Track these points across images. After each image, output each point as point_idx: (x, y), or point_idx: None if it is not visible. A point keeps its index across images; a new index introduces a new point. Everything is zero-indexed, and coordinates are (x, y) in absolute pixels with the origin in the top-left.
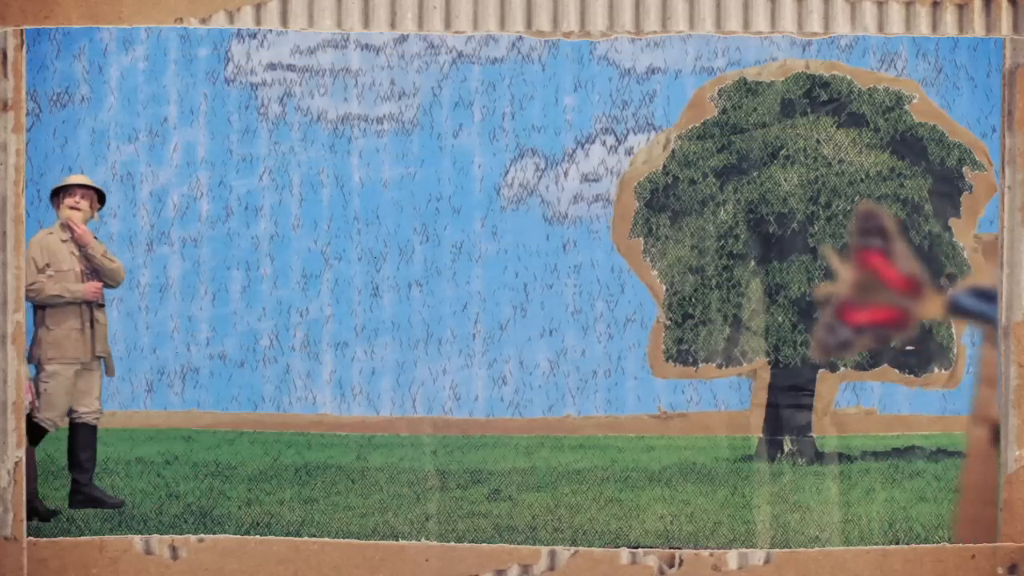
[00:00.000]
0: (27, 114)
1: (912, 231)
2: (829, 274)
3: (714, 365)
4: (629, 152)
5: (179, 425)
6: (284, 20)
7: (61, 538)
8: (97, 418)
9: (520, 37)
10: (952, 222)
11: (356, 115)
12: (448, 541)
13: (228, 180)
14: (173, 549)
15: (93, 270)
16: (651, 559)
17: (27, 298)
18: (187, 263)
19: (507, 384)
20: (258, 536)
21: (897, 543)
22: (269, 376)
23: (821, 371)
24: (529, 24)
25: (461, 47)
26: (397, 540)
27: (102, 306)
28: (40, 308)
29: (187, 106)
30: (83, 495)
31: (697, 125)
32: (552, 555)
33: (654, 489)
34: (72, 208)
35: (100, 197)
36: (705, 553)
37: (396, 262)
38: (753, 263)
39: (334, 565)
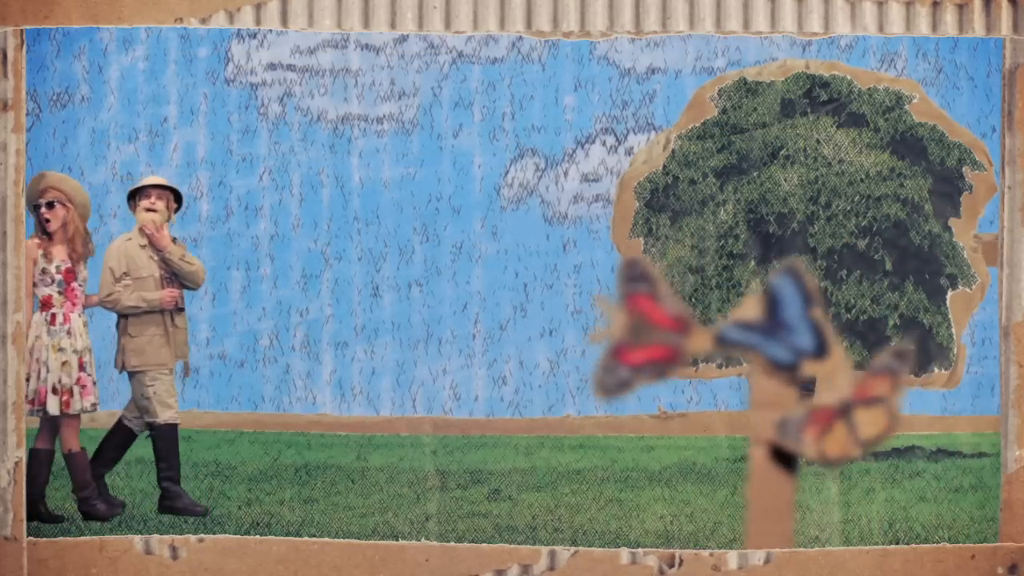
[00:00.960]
0: (27, 114)
1: (912, 231)
2: (830, 274)
3: (714, 365)
4: (629, 152)
5: (179, 425)
6: (284, 20)
7: (61, 538)
8: (177, 419)
9: (520, 37)
10: (952, 222)
11: (356, 115)
12: (448, 541)
13: (228, 180)
14: (173, 549)
15: (172, 274)
16: (651, 559)
17: (104, 308)
18: None
19: (507, 384)
20: (258, 536)
21: (897, 543)
22: (269, 376)
23: None
24: (529, 24)
25: (461, 47)
26: (397, 540)
27: (182, 310)
28: (122, 316)
29: (187, 106)
30: (171, 496)
31: (697, 125)
32: (552, 555)
33: (654, 489)
34: (148, 210)
35: (177, 197)
36: (705, 553)
37: (396, 262)
38: (753, 263)
39: (334, 565)
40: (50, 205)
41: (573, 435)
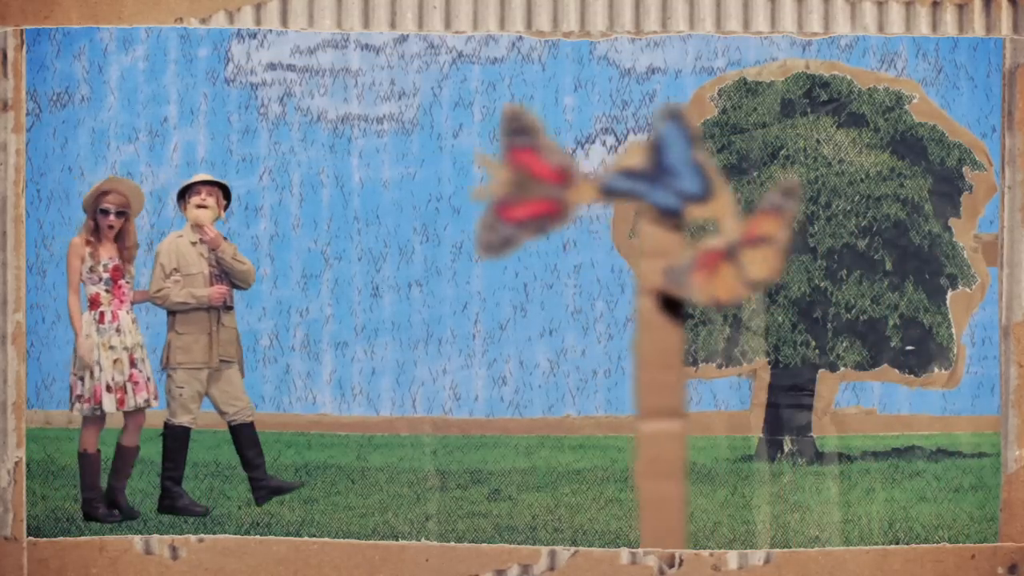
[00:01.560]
0: (27, 114)
1: (912, 231)
2: (830, 274)
3: (714, 365)
4: None
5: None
6: (284, 20)
7: (61, 538)
8: (250, 415)
9: (520, 37)
10: (952, 222)
11: (356, 115)
12: (448, 541)
13: (228, 180)
14: (173, 549)
15: (223, 272)
16: (651, 559)
17: (154, 304)
18: None
19: (507, 384)
20: (258, 536)
21: (897, 543)
22: (269, 376)
23: (821, 371)
24: (529, 24)
25: (461, 47)
26: (397, 540)
27: (230, 308)
28: (170, 313)
29: (187, 106)
30: (264, 489)
31: (697, 125)
32: (552, 555)
33: None
34: (199, 207)
35: (226, 194)
36: (705, 553)
37: (396, 262)
38: None
39: (334, 565)
40: (120, 214)
41: (573, 435)
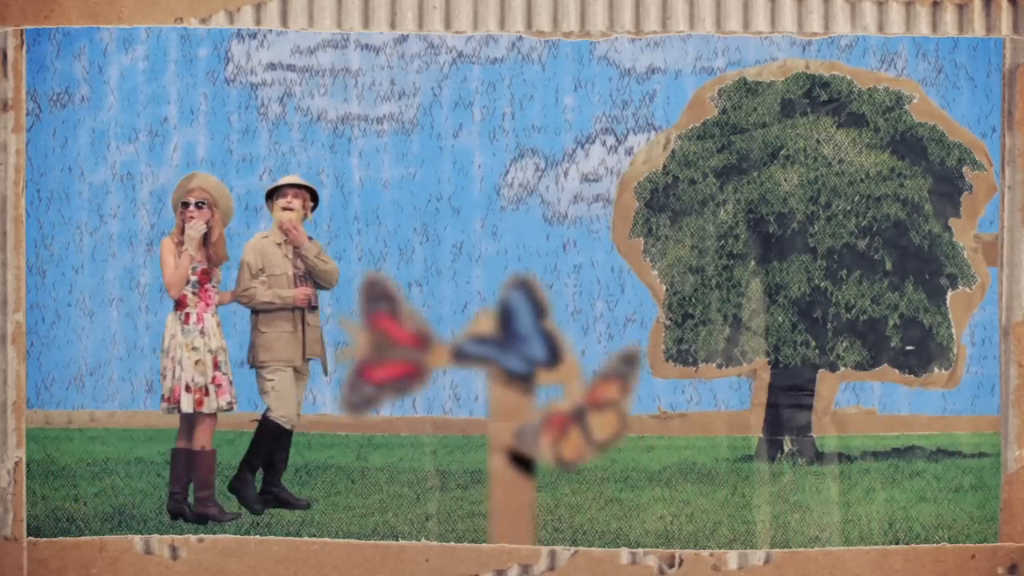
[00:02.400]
0: (27, 114)
1: (912, 231)
2: (830, 274)
3: (714, 365)
4: (629, 152)
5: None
6: (284, 20)
7: (61, 538)
8: (292, 425)
9: (520, 37)
10: (952, 222)
11: (356, 115)
12: (448, 541)
13: (228, 180)
14: (173, 549)
15: (307, 272)
16: (651, 559)
17: (239, 303)
18: None
19: None
20: (258, 536)
21: (897, 543)
22: None
23: (821, 371)
24: (529, 24)
25: (461, 47)
26: (397, 540)
27: (315, 308)
28: (254, 312)
29: (187, 106)
30: (271, 495)
31: (697, 125)
32: (552, 555)
33: (654, 489)
34: (285, 209)
35: (313, 196)
36: (705, 553)
37: (396, 262)
38: (753, 263)
39: (334, 565)
40: (199, 205)
41: None
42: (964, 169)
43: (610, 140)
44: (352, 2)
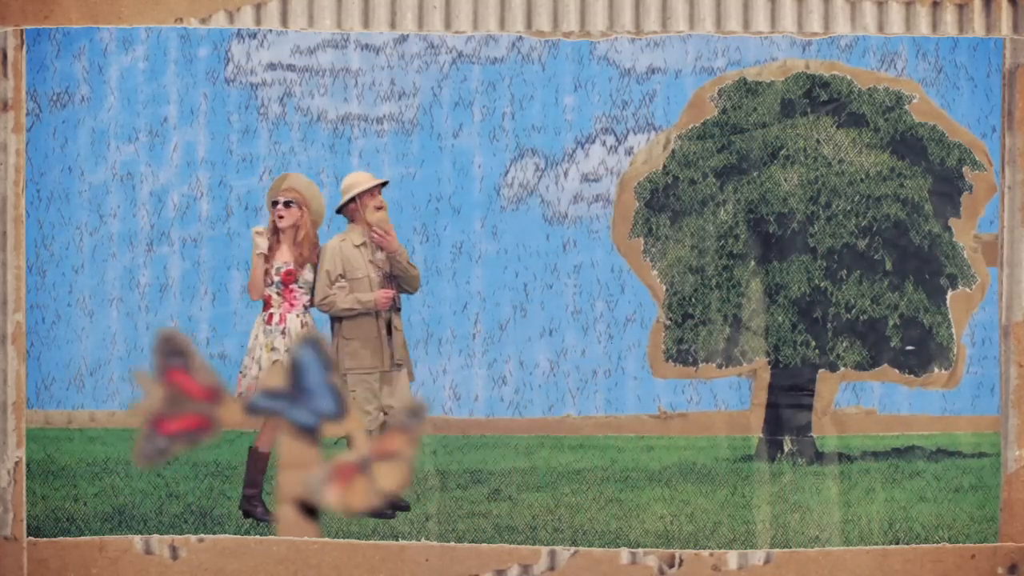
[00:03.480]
0: (27, 114)
1: (912, 231)
2: (830, 274)
3: (714, 365)
4: (629, 152)
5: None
6: (284, 20)
7: (61, 538)
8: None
9: (520, 37)
10: (952, 222)
11: (356, 115)
12: (448, 541)
13: (228, 180)
14: (173, 549)
15: (389, 275)
16: (651, 559)
17: (320, 311)
18: (187, 263)
19: (507, 384)
20: (258, 536)
21: (897, 543)
22: None
23: (821, 371)
24: (529, 24)
25: (461, 47)
26: (397, 540)
27: (399, 310)
28: (336, 319)
29: (187, 106)
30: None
31: (697, 125)
32: (552, 555)
33: (654, 489)
34: (379, 208)
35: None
36: (705, 553)
37: None
38: (753, 263)
39: (334, 565)
40: (288, 204)
41: (573, 435)
42: (964, 169)
43: (610, 140)
44: (352, 2)
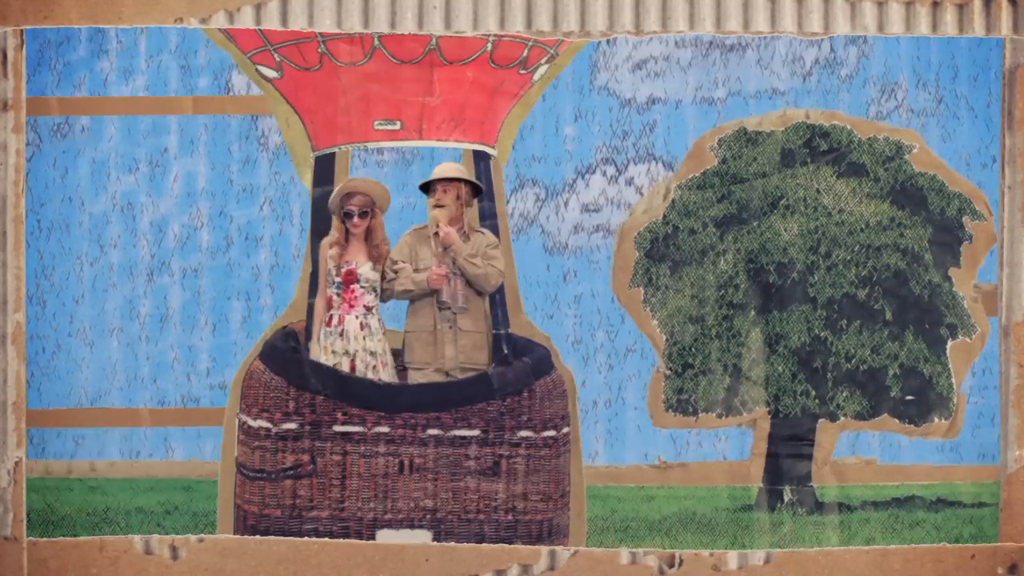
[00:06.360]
0: (27, 144)
1: (912, 281)
2: (830, 324)
3: (714, 415)
4: (630, 182)
5: (180, 475)
6: (284, 20)
7: (61, 538)
8: None
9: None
10: (952, 272)
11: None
12: (448, 541)
13: (228, 210)
14: (173, 549)
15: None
16: (651, 559)
17: (383, 300)
18: (187, 293)
19: None
20: (258, 536)
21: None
22: None
23: (821, 421)
24: (529, 24)
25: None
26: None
27: (466, 309)
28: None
29: (187, 136)
30: None
31: (697, 175)
32: (552, 555)
33: (654, 539)
34: (436, 207)
35: (475, 187)
36: (705, 553)
37: None
38: (753, 313)
39: (334, 565)
40: (363, 215)
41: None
42: (964, 219)
43: (610, 170)
44: (352, 2)
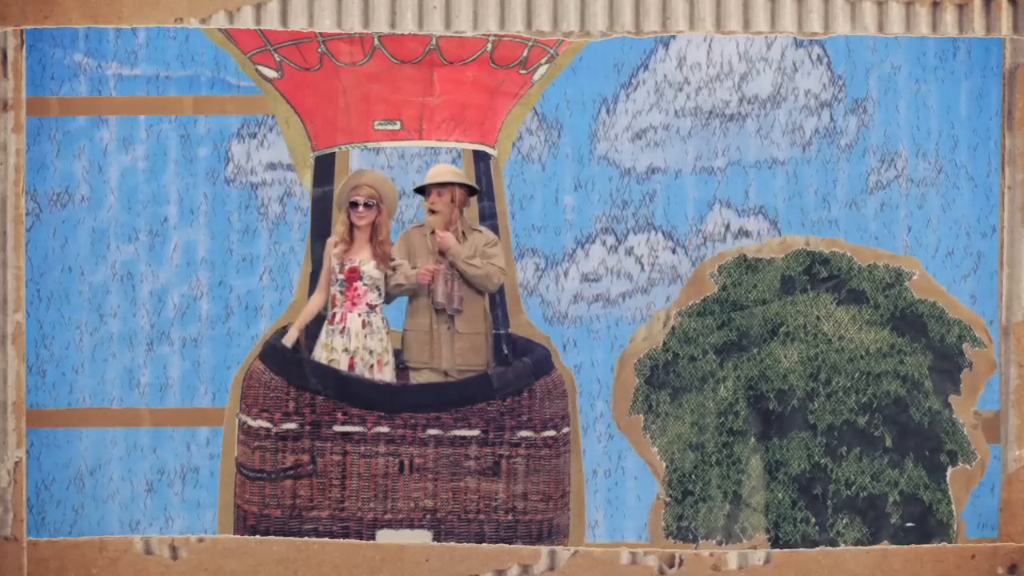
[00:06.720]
0: (27, 214)
1: (912, 407)
2: (830, 451)
3: (714, 542)
4: (629, 252)
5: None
6: (284, 20)
7: (61, 538)
8: None
9: (520, 137)
10: (952, 399)
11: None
12: (448, 541)
13: (228, 280)
14: (173, 549)
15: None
16: (651, 559)
17: (387, 301)
18: (187, 363)
19: None
20: (258, 536)
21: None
22: None
23: (821, 548)
24: (529, 24)
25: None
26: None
27: (459, 312)
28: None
29: (187, 206)
30: None
31: (697, 302)
32: (552, 555)
33: None
34: (430, 212)
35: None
36: (705, 553)
37: None
38: (753, 439)
39: (334, 565)
40: (368, 205)
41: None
42: (964, 346)
43: (610, 240)
44: (352, 2)
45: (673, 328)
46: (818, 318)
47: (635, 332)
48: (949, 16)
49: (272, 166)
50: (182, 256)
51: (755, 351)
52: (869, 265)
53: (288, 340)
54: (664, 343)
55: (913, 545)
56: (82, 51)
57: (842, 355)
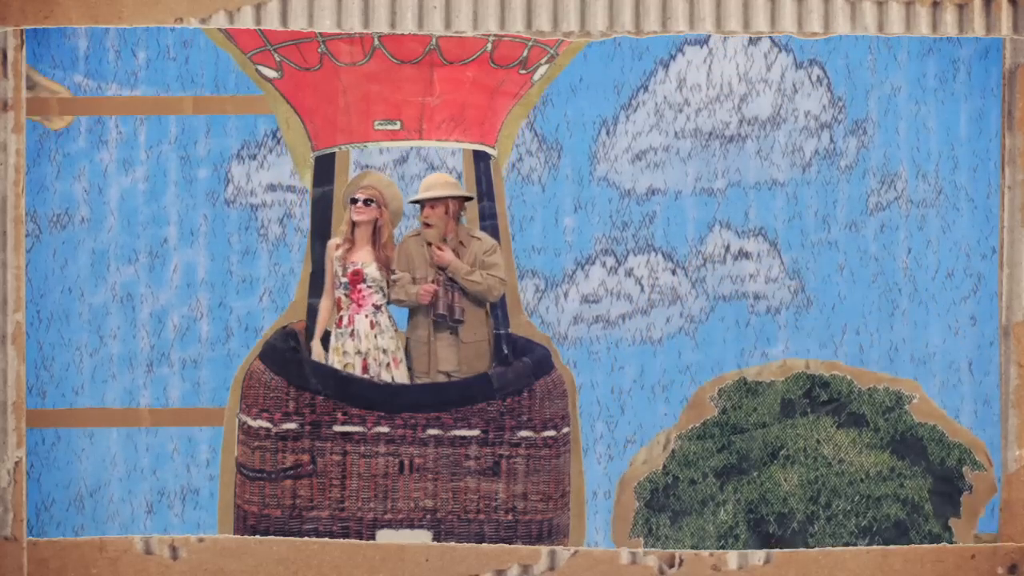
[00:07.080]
0: (27, 235)
1: (912, 531)
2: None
3: None
4: (629, 273)
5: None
6: (284, 20)
7: (61, 538)
8: None
9: (520, 158)
10: (952, 522)
11: None
12: (448, 541)
13: (228, 301)
14: (173, 549)
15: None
16: (651, 559)
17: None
18: (187, 384)
19: None
20: (258, 536)
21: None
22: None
23: None
24: (529, 24)
25: (461, 168)
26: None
27: (460, 322)
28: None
29: (187, 227)
30: None
31: (697, 425)
32: (552, 555)
33: None
34: (424, 225)
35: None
36: (705, 553)
37: None
38: None
39: (334, 565)
40: (367, 202)
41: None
42: (964, 469)
43: (610, 261)
44: (352, 2)
45: (673, 451)
46: (818, 441)
47: (635, 455)
48: (949, 16)
49: (272, 187)
50: (182, 277)
51: (755, 474)
52: (869, 388)
53: (317, 356)
54: (664, 466)
55: (913, 545)
56: (82, 51)
57: (842, 478)
